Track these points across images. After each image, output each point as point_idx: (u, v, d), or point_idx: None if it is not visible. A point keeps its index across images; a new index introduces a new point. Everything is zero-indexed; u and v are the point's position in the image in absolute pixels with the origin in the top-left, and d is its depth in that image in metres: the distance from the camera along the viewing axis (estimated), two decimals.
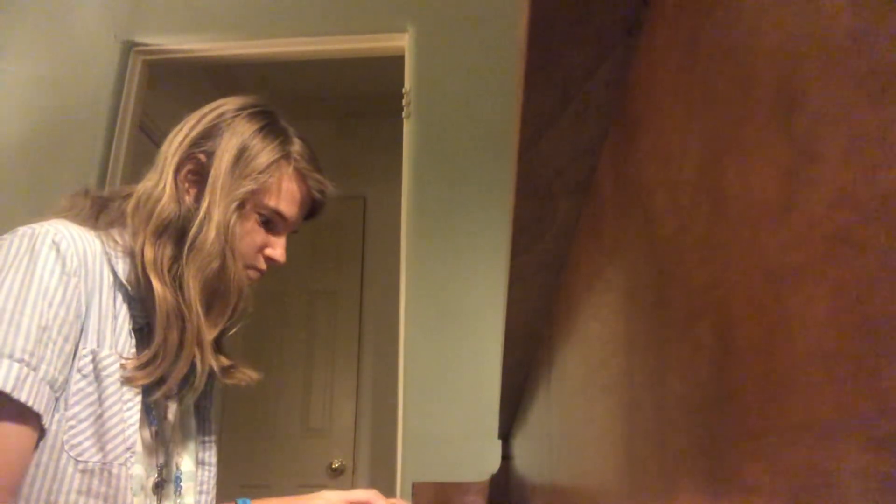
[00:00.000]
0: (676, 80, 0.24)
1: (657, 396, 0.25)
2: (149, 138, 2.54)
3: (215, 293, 0.84)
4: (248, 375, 0.96)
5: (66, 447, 0.72)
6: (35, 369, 0.69)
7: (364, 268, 3.18)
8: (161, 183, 0.85)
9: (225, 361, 0.93)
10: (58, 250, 0.74)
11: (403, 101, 2.22)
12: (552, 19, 0.27)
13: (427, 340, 1.99)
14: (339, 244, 3.18)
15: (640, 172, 0.28)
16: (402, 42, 2.28)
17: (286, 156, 0.90)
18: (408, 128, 2.20)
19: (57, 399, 0.72)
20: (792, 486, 0.15)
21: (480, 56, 2.20)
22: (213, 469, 0.96)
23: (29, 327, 0.69)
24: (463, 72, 2.21)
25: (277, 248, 0.92)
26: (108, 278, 0.79)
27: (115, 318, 0.79)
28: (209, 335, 0.83)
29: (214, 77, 2.97)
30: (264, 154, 0.87)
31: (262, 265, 0.91)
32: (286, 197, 0.90)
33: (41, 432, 0.71)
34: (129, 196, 0.86)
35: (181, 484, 0.88)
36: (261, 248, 0.90)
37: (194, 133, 0.88)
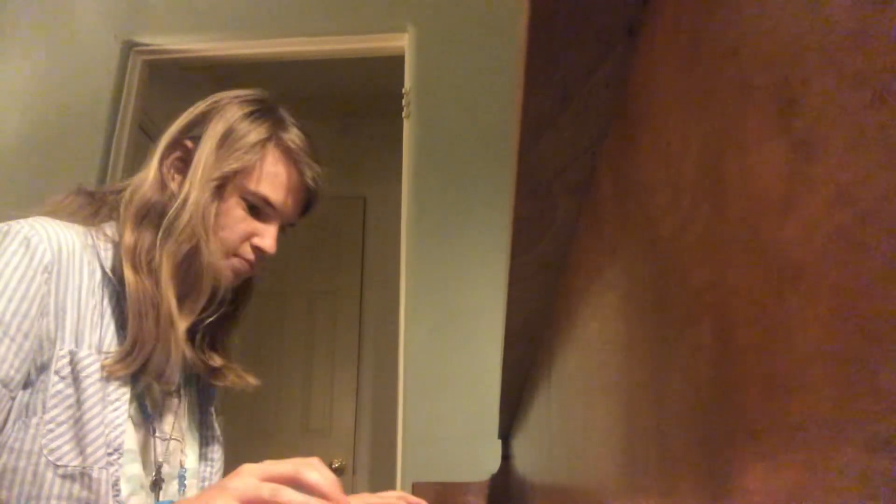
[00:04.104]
0: (676, 80, 0.24)
1: (657, 396, 0.25)
2: (149, 138, 2.54)
3: (187, 278, 0.81)
4: (243, 380, 0.93)
5: (45, 451, 0.70)
6: None
7: (364, 268, 3.18)
8: (148, 172, 0.83)
9: (217, 361, 0.91)
10: (28, 245, 0.73)
11: (403, 101, 2.22)
12: (552, 19, 0.27)
13: (427, 340, 1.99)
14: (339, 244, 3.18)
15: (639, 172, 0.28)
16: (402, 42, 2.28)
17: (273, 137, 0.86)
18: (408, 128, 2.20)
19: (13, 398, 0.70)
20: (792, 486, 0.15)
21: (480, 56, 2.20)
22: (217, 464, 0.95)
23: None
24: (463, 72, 2.21)
25: (266, 238, 0.87)
26: (92, 276, 0.78)
27: (101, 316, 0.78)
28: (182, 323, 0.80)
29: (214, 77, 2.97)
30: (251, 135, 0.84)
31: (250, 254, 0.87)
32: (271, 180, 0.86)
33: None
34: (123, 189, 0.85)
35: (185, 481, 0.88)
36: (248, 237, 0.86)
37: (185, 121, 0.87)
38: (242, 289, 0.95)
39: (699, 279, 0.21)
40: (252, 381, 0.95)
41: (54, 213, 0.82)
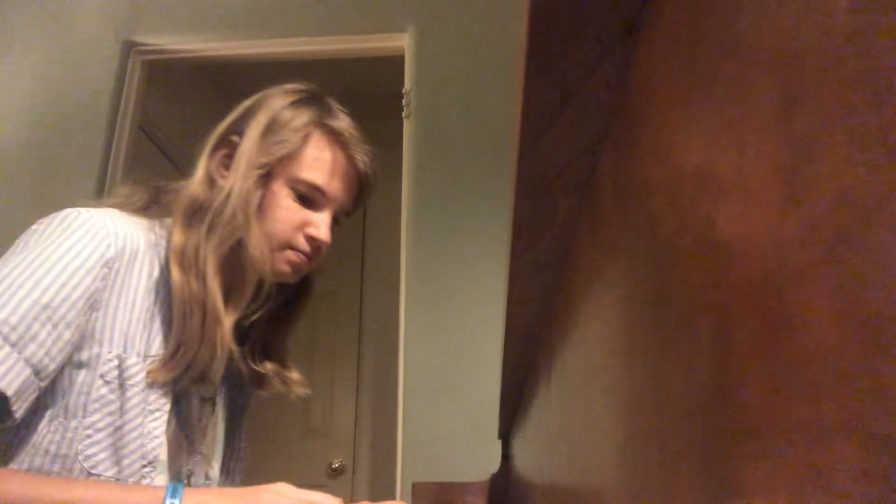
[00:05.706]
0: (676, 80, 0.24)
1: (657, 396, 0.25)
2: (149, 138, 2.54)
3: (233, 272, 0.78)
4: (290, 388, 0.91)
5: (80, 457, 0.68)
6: (14, 345, 0.63)
7: (364, 268, 3.18)
8: (198, 171, 0.81)
9: (267, 367, 0.88)
10: (94, 235, 0.71)
11: (403, 101, 2.22)
12: (552, 19, 0.27)
13: (427, 341, 1.99)
14: (339, 244, 3.16)
15: (640, 172, 0.28)
16: (402, 42, 2.28)
17: (318, 122, 0.83)
18: (408, 128, 2.20)
19: (41, 388, 0.66)
20: (792, 486, 0.15)
21: (480, 56, 2.20)
22: (239, 477, 0.94)
23: (22, 301, 0.64)
24: (463, 72, 2.21)
25: (320, 227, 0.83)
26: (151, 276, 0.76)
27: (152, 319, 0.75)
28: (228, 318, 0.77)
29: (214, 77, 2.97)
30: (295, 121, 0.81)
31: (304, 245, 0.83)
32: (318, 165, 0.82)
33: (10, 418, 0.64)
34: (179, 189, 0.83)
35: None
36: (301, 227, 0.82)
37: (232, 118, 0.85)
38: (300, 288, 0.91)
39: (699, 279, 0.21)
40: (300, 391, 0.92)
41: (121, 206, 0.80)
